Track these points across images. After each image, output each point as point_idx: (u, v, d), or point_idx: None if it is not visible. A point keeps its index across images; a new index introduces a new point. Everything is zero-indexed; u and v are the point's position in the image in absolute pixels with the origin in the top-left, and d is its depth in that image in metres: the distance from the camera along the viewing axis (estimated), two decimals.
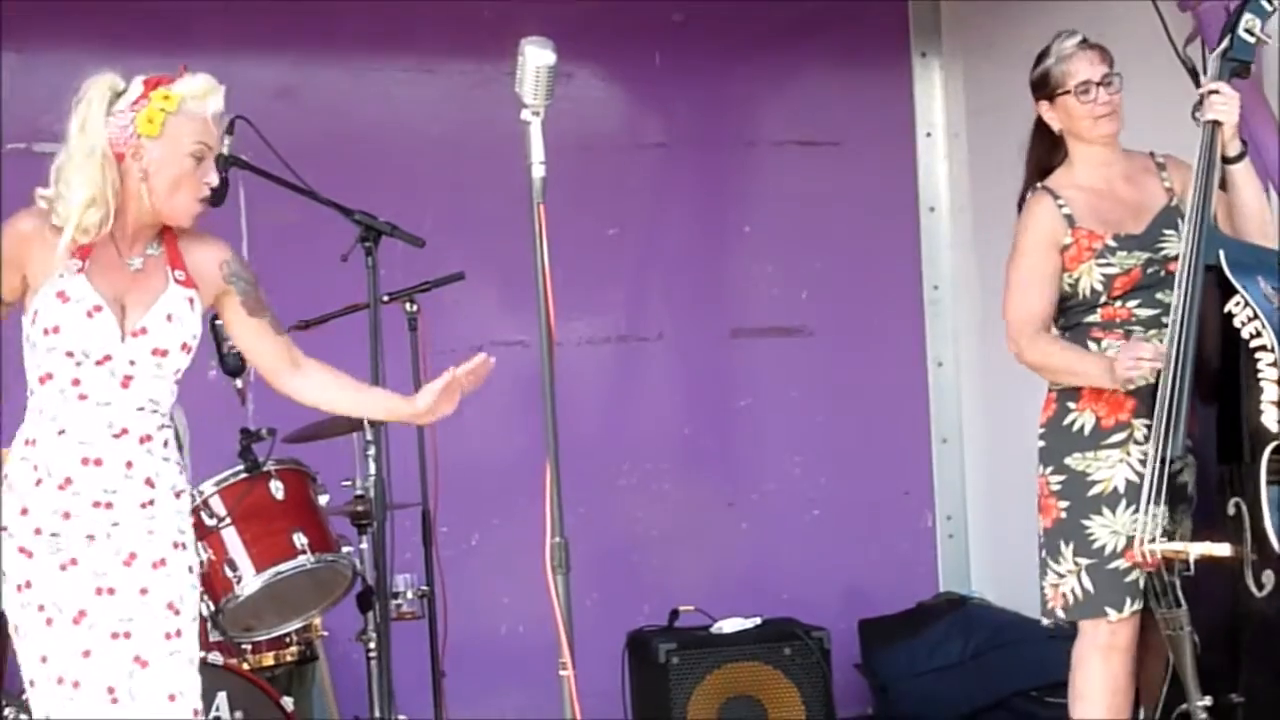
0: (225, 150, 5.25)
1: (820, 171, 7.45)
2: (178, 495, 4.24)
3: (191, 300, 4.22)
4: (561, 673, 3.80)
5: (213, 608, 5.33)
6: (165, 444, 4.22)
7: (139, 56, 6.63)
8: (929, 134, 7.70)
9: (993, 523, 7.44)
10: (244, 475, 5.37)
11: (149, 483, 4.16)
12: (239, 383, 5.41)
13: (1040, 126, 5.04)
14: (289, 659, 5.62)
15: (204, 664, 5.13)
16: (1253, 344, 4.58)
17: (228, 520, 5.34)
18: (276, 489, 5.40)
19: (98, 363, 4.09)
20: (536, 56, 3.90)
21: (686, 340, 7.38)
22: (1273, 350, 4.54)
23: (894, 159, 7.64)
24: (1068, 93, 4.90)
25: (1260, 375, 4.55)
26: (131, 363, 4.12)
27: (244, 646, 5.49)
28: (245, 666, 5.38)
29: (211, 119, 4.14)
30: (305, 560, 5.34)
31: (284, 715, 5.25)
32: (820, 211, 7.43)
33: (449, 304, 6.10)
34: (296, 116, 6.65)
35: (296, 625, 5.54)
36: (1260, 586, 4.52)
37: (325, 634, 5.77)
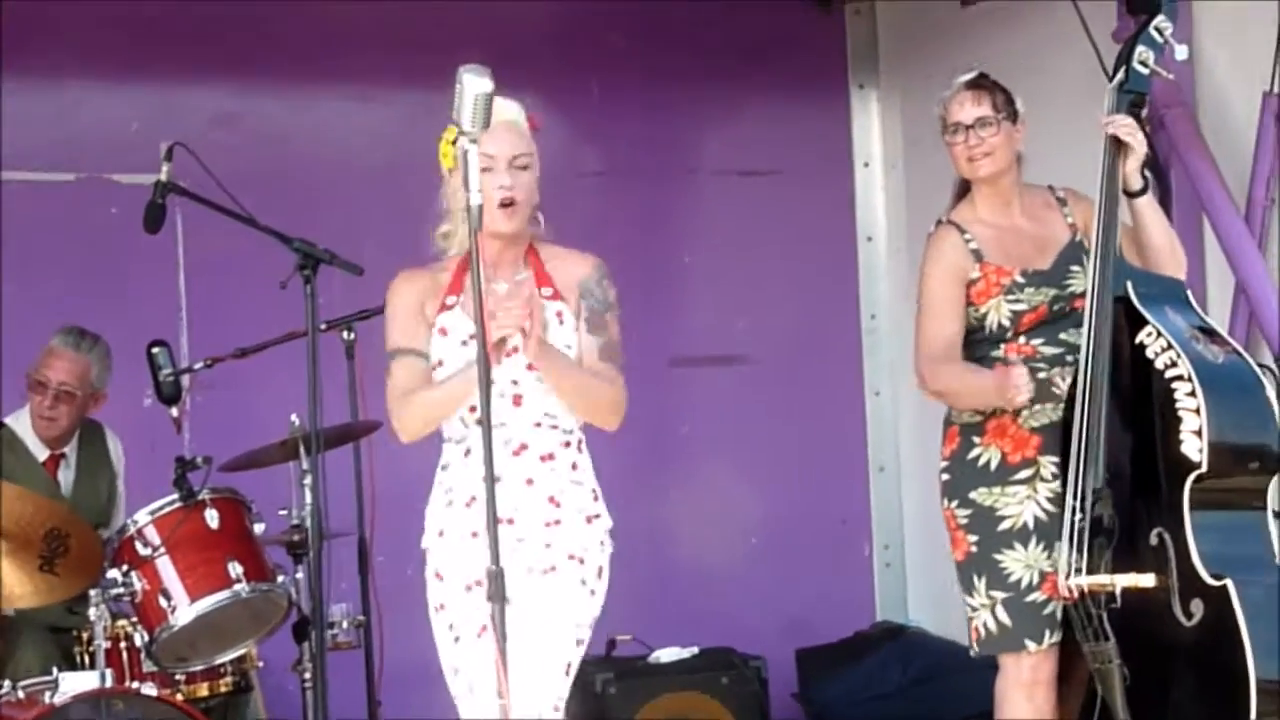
0: (163, 177, 5.26)
1: (759, 201, 7.48)
2: (588, 521, 4.38)
3: (560, 314, 4.36)
4: (499, 701, 3.79)
5: (147, 637, 5.31)
6: (574, 466, 4.37)
7: (81, 84, 6.70)
8: (866, 164, 7.75)
9: (930, 552, 7.44)
10: (179, 504, 5.35)
11: (552, 501, 4.31)
12: (175, 410, 5.40)
13: None
14: (224, 689, 5.58)
15: (137, 694, 5.15)
16: (1168, 374, 4.60)
17: (162, 550, 5.32)
18: (211, 518, 5.38)
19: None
20: (474, 85, 3.90)
21: (626, 369, 7.36)
22: (1190, 380, 4.56)
23: (832, 189, 7.69)
24: (948, 132, 4.94)
25: (1178, 405, 4.57)
26: (514, 382, 4.30)
27: (178, 677, 5.45)
28: (179, 697, 5.33)
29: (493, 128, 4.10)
30: (240, 590, 5.32)
31: None
32: (759, 241, 7.46)
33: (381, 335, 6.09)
34: (236, 144, 6.64)
35: (232, 655, 5.51)
36: (1189, 615, 4.53)
37: (261, 664, 5.73)
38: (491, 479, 3.93)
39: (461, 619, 4.33)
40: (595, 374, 4.39)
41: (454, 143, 4.11)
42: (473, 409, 4.21)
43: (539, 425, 4.32)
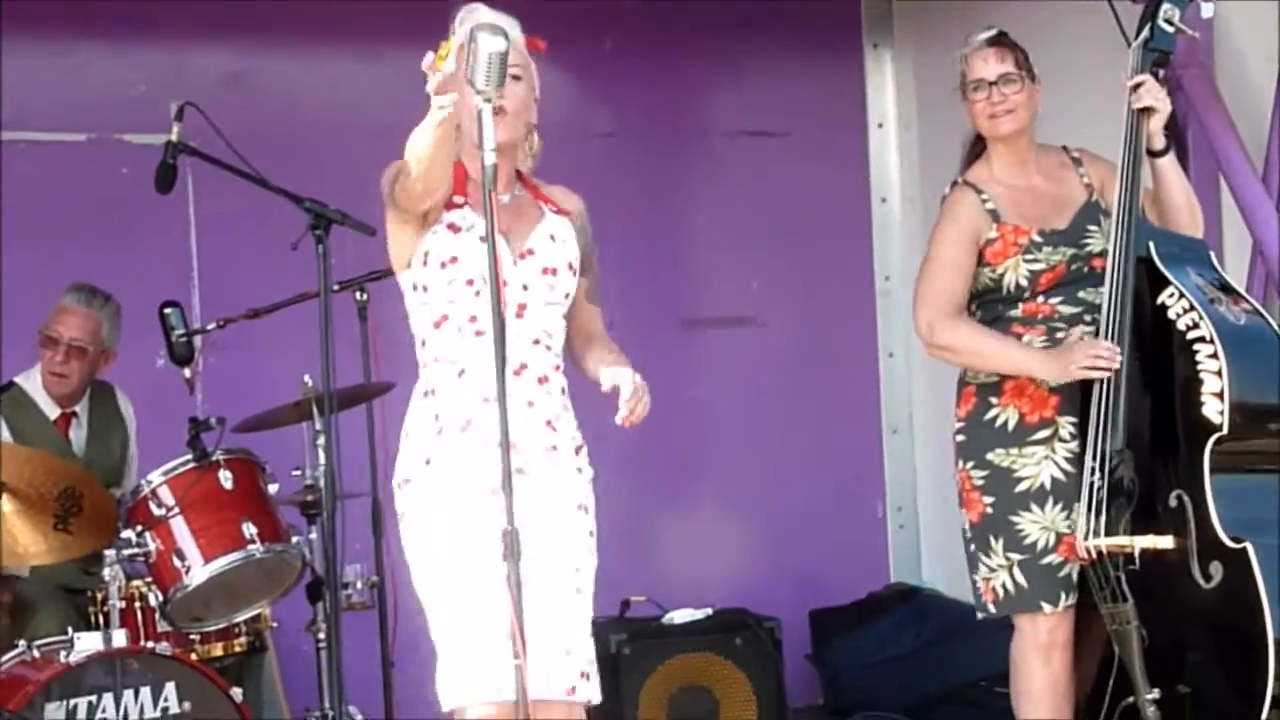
0: (174, 137, 5.24)
1: (772, 162, 7.46)
2: (577, 450, 4.26)
3: (566, 227, 4.27)
4: (515, 661, 3.75)
5: (161, 598, 5.32)
6: (563, 390, 4.22)
7: (89, 44, 6.68)
8: (880, 125, 7.72)
9: (943, 514, 7.42)
10: (192, 465, 5.36)
11: (550, 425, 4.17)
12: (187, 372, 5.39)
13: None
14: (238, 649, 5.59)
15: (152, 654, 5.16)
16: (1189, 335, 4.59)
17: (176, 510, 5.33)
18: (225, 479, 5.38)
19: None
20: (488, 44, 3.86)
21: (637, 330, 7.33)
22: (1211, 341, 4.55)
23: (846, 150, 7.66)
24: (969, 89, 4.92)
25: (1200, 367, 4.56)
26: (525, 287, 4.15)
27: (192, 637, 5.46)
28: (194, 657, 5.35)
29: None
30: (254, 550, 5.32)
31: (233, 706, 5.22)
32: (772, 202, 7.44)
33: (399, 293, 6.07)
34: (246, 104, 6.62)
35: (246, 616, 5.52)
36: (1207, 578, 4.53)
37: (275, 624, 5.74)
38: (506, 433, 3.78)
39: (458, 552, 4.06)
40: (618, 354, 4.32)
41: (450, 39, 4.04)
42: (472, 319, 4.11)
43: (538, 343, 4.18)
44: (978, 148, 5.02)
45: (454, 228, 4.18)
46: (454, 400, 4.14)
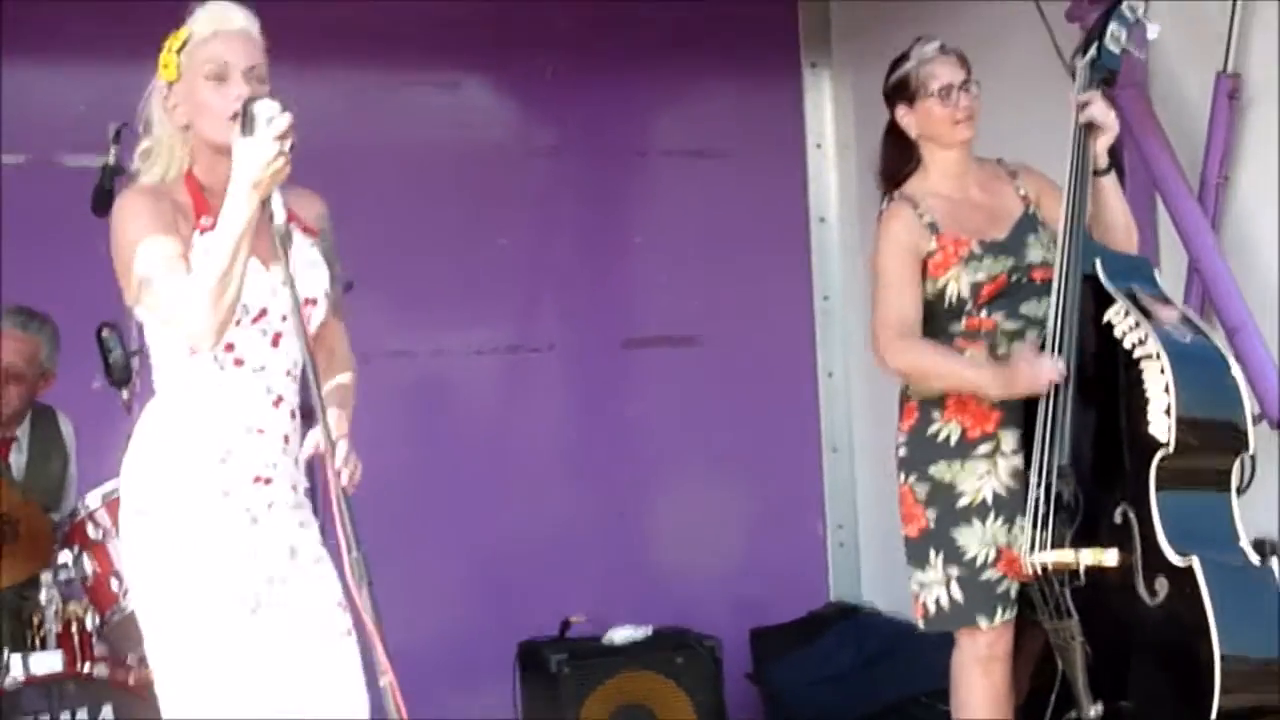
0: (111, 160, 5.20)
1: (711, 182, 7.46)
2: (307, 494, 4.08)
3: (314, 248, 4.07)
4: (381, 681, 3.68)
5: (98, 620, 5.28)
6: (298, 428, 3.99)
7: (28, 64, 6.63)
8: (819, 145, 7.74)
9: (883, 532, 7.44)
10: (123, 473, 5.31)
11: (297, 464, 3.98)
12: (125, 393, 5.34)
13: (890, 135, 5.06)
14: None
15: (89, 677, 5.12)
16: (1136, 353, 4.61)
17: (114, 533, 5.25)
18: None
19: (253, 320, 3.89)
20: (266, 110, 3.79)
21: (578, 350, 7.37)
22: (1158, 358, 4.57)
23: (784, 170, 7.67)
24: (930, 96, 4.92)
25: (1146, 383, 4.58)
26: (283, 318, 3.91)
27: (130, 660, 5.42)
28: (131, 680, 5.31)
29: (225, 35, 3.96)
30: None
31: None
32: (711, 222, 7.44)
33: None
34: None
35: None
36: (1153, 594, 4.54)
37: None
38: (331, 447, 3.69)
39: (216, 591, 3.84)
40: (350, 382, 4.13)
41: (178, 52, 3.95)
42: (229, 348, 3.85)
43: (289, 374, 3.97)
44: (891, 162, 5.02)
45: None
46: (212, 430, 3.90)
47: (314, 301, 4.01)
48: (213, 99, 3.91)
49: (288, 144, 3.76)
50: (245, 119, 3.78)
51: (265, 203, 3.76)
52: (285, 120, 3.76)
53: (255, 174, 3.73)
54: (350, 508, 3.71)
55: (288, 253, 3.76)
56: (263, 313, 3.91)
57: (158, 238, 3.84)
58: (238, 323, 3.86)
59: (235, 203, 3.75)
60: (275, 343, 3.94)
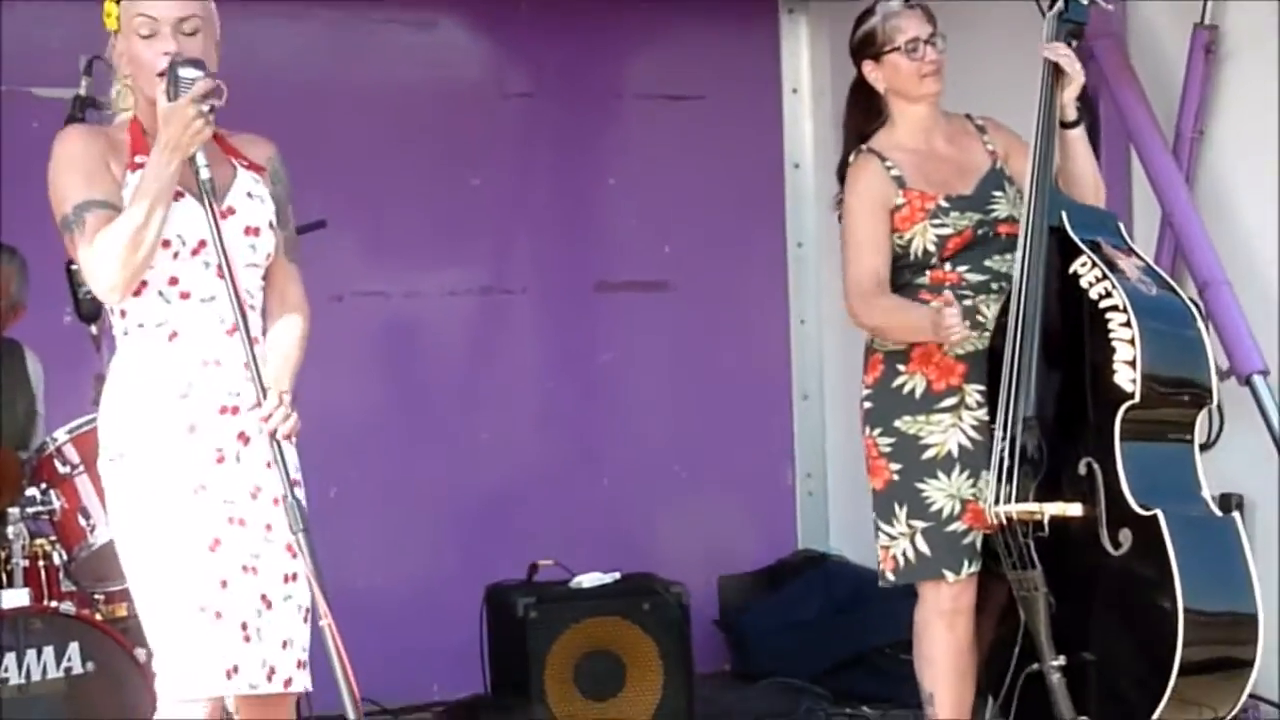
0: (82, 91, 5.18)
1: (685, 126, 7.44)
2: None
3: (259, 183, 4.03)
4: (321, 623, 3.68)
5: (65, 557, 5.28)
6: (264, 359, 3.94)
7: None
8: (795, 90, 7.71)
9: (852, 480, 7.40)
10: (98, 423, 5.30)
11: (264, 389, 3.87)
12: (94, 329, 5.33)
13: (856, 91, 5.04)
14: None
15: (56, 614, 5.11)
16: (1102, 304, 4.61)
17: (81, 468, 5.28)
18: None
19: (193, 252, 3.87)
20: (188, 74, 3.80)
21: (550, 293, 7.35)
22: (1125, 310, 4.57)
23: (759, 115, 7.65)
24: (896, 50, 4.90)
25: (1112, 335, 4.59)
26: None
27: (97, 596, 5.42)
28: (98, 617, 5.31)
29: None
30: None
31: (137, 666, 5.18)
32: (685, 166, 7.42)
33: (308, 254, 6.02)
34: None
35: None
36: (1117, 545, 4.56)
37: None
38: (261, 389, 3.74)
39: (184, 529, 3.86)
40: (299, 329, 4.05)
41: (117, 2, 3.91)
42: (173, 281, 3.87)
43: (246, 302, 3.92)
44: (856, 117, 5.01)
45: None
46: (169, 365, 3.91)
47: (255, 230, 4.00)
48: (144, 54, 3.90)
49: (207, 106, 3.80)
50: (170, 80, 3.82)
51: (192, 159, 3.82)
52: (205, 84, 3.80)
53: (175, 136, 3.80)
54: (283, 455, 3.78)
55: (212, 205, 3.82)
56: (201, 244, 3.90)
57: (78, 185, 3.89)
58: (175, 256, 3.88)
59: (154, 164, 3.82)
60: (220, 274, 3.89)
